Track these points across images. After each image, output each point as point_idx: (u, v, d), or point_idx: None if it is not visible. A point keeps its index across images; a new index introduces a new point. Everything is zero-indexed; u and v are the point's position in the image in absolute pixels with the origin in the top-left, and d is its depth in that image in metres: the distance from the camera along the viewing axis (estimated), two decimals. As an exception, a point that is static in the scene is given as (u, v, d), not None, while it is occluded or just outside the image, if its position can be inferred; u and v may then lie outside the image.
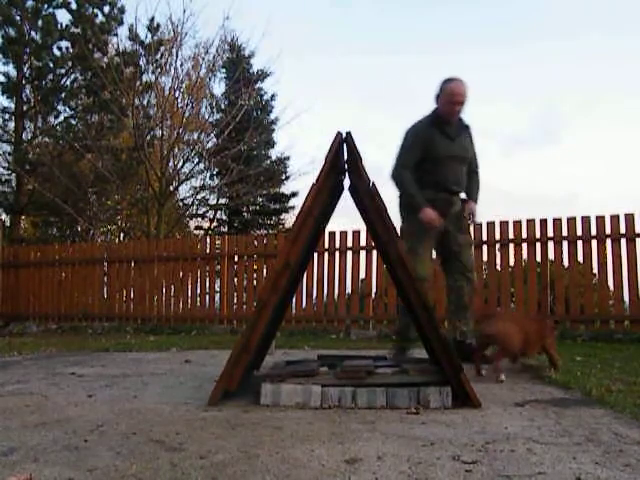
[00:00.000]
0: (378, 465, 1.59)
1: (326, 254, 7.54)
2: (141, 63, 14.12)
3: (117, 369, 3.81)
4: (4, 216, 16.01)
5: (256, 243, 8.19)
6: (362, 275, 7.49)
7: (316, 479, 1.49)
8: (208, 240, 8.74)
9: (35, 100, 14.69)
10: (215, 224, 19.72)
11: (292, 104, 19.84)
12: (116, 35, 15.12)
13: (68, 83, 15.20)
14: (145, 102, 14.18)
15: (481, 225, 6.97)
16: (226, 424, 2.12)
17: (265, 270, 7.94)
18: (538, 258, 6.80)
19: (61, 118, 15.55)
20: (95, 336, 7.50)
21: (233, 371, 2.53)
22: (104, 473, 1.56)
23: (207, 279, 8.26)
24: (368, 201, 2.62)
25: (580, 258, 6.62)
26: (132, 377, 3.40)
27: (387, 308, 7.25)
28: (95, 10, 14.96)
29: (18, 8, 14.30)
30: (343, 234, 7.54)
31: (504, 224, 6.90)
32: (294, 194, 19.18)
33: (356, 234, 7.49)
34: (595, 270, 6.58)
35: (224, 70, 17.58)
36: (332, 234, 7.56)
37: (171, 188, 13.66)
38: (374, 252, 7.19)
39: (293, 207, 19.43)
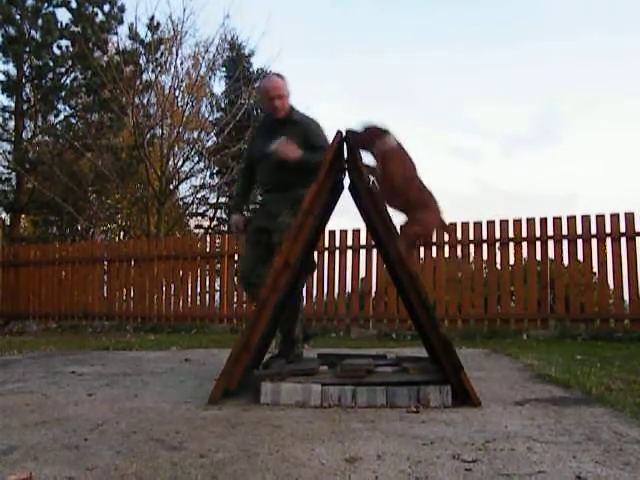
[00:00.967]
0: (378, 464, 1.59)
1: (326, 253, 7.54)
2: (141, 62, 14.11)
3: (117, 368, 3.81)
4: (4, 215, 16.02)
5: (256, 242, 8.18)
6: (362, 274, 7.49)
7: (316, 478, 1.49)
8: (208, 239, 8.73)
9: (35, 99, 14.68)
10: (215, 223, 19.71)
11: (292, 103, 19.79)
12: (116, 34, 15.12)
13: (68, 82, 15.19)
14: (145, 101, 14.17)
15: (481, 224, 6.97)
16: (226, 423, 2.12)
17: (265, 269, 7.93)
18: (538, 257, 6.81)
19: (61, 117, 15.55)
20: (95, 335, 7.50)
21: (233, 370, 2.53)
22: (104, 472, 1.56)
23: (207, 278, 8.26)
24: (368, 200, 2.62)
25: (580, 257, 6.63)
26: (132, 376, 3.40)
27: (387, 307, 7.25)
28: (95, 9, 14.95)
29: (18, 7, 14.29)
30: (343, 233, 7.54)
31: (504, 223, 6.90)
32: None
33: (356, 233, 7.49)
34: (595, 269, 6.58)
35: (224, 69, 17.57)
36: (332, 233, 7.55)
37: (171, 187, 13.66)
38: (374, 251, 7.18)
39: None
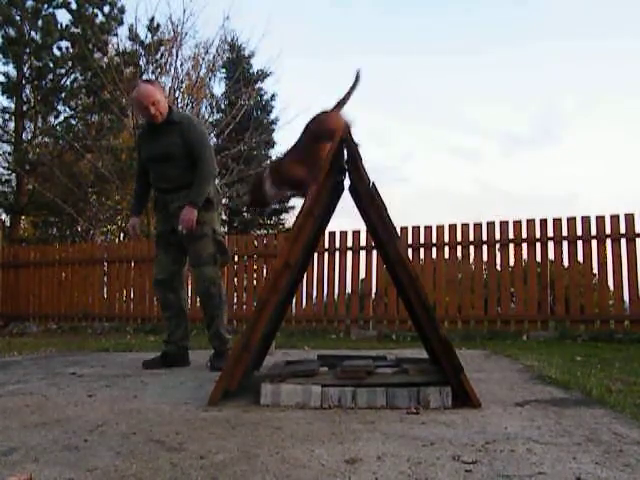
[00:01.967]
0: (378, 465, 1.59)
1: (326, 254, 7.54)
2: (141, 63, 14.13)
3: (117, 369, 3.81)
4: (4, 216, 16.03)
5: (256, 243, 8.20)
6: (362, 275, 7.50)
7: (316, 479, 1.49)
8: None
9: (35, 100, 14.70)
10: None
11: (292, 104, 19.86)
12: (116, 35, 15.15)
13: (68, 83, 15.21)
14: (145, 102, 14.16)
15: (481, 225, 6.98)
16: (226, 424, 2.12)
17: (265, 270, 7.94)
18: (538, 258, 6.81)
19: (61, 118, 15.57)
20: (95, 336, 7.50)
21: (233, 371, 2.53)
22: (104, 473, 1.56)
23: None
24: (368, 201, 2.62)
25: (580, 258, 6.63)
26: (132, 377, 3.40)
27: (387, 308, 7.25)
28: (95, 10, 14.98)
29: (18, 8, 14.31)
30: (343, 234, 7.55)
31: (504, 224, 6.91)
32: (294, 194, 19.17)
33: (356, 234, 7.49)
34: (595, 270, 6.59)
35: (224, 70, 17.60)
36: (332, 234, 7.56)
37: (171, 188, 13.64)
38: (374, 252, 7.19)
39: (293, 207, 19.44)
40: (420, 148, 32.06)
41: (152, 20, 13.79)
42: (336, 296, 7.49)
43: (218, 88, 24.02)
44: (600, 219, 6.50)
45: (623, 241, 6.38)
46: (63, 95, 15.09)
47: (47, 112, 15.10)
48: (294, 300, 7.19)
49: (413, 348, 4.94)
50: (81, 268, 9.05)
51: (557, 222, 6.68)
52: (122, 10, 15.19)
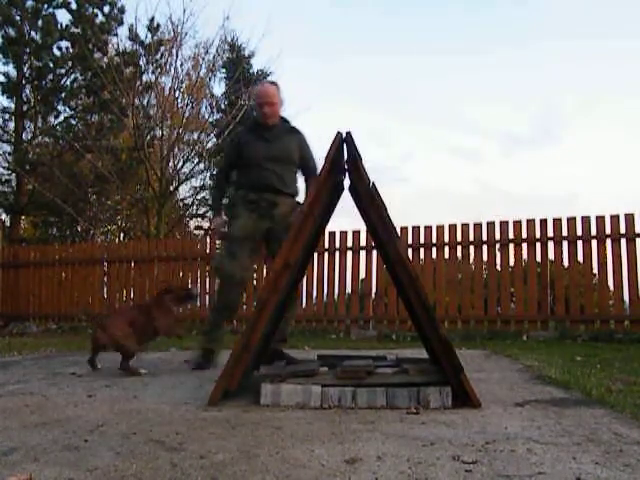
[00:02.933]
0: (378, 465, 1.59)
1: (326, 254, 7.54)
2: (141, 63, 14.12)
3: (117, 369, 3.80)
4: (4, 216, 16.02)
5: (256, 243, 8.18)
6: (362, 275, 7.50)
7: (316, 479, 1.49)
8: (208, 240, 8.74)
9: (35, 100, 14.69)
10: (215, 224, 19.70)
11: (292, 103, 19.84)
12: (116, 35, 15.13)
13: (68, 83, 15.19)
14: (145, 102, 14.19)
15: (481, 225, 6.98)
16: (226, 424, 2.12)
17: (265, 270, 7.94)
18: (538, 258, 6.81)
19: (61, 118, 15.55)
20: (95, 336, 7.48)
21: (233, 371, 2.53)
22: (104, 473, 1.56)
23: (207, 279, 8.26)
24: (368, 201, 2.62)
25: (580, 258, 6.63)
26: (132, 377, 3.40)
27: (387, 308, 7.25)
28: (95, 10, 14.96)
29: (18, 8, 14.30)
30: (343, 234, 7.55)
31: (504, 224, 6.91)
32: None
33: (356, 234, 7.49)
34: (595, 270, 6.58)
35: (224, 70, 17.56)
36: (332, 234, 7.56)
37: (171, 188, 13.66)
38: (374, 252, 7.19)
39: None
40: (420, 148, 32.02)
41: (152, 20, 13.80)
42: (336, 296, 7.49)
43: (218, 88, 24.00)
44: (600, 219, 6.49)
45: (623, 241, 6.38)
46: (63, 95, 15.08)
47: (47, 112, 15.09)
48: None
49: (413, 348, 4.94)
50: (81, 268, 9.04)
51: (557, 222, 6.68)
52: (122, 10, 15.17)
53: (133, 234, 17.04)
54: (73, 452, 1.77)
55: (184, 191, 16.61)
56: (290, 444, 1.82)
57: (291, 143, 3.81)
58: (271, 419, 2.19)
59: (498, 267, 7.01)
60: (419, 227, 7.26)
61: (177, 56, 13.50)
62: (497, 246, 6.95)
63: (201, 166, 15.24)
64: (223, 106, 16.75)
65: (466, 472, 1.52)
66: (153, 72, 14.02)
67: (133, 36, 14.09)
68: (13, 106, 15.04)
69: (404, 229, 7.23)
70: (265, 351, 3.40)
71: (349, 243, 7.51)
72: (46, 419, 2.24)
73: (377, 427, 2.04)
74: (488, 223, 6.97)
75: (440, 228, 7.15)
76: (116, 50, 14.52)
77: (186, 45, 17.75)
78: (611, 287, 6.52)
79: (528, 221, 6.81)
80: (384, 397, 2.40)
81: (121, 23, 15.21)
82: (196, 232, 19.31)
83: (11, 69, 14.74)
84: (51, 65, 14.70)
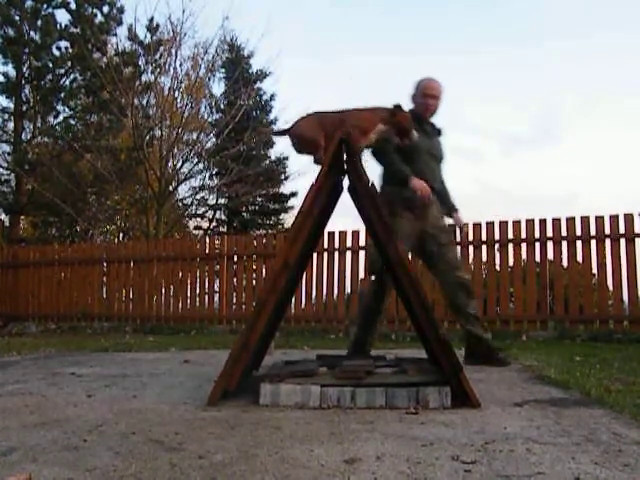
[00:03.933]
0: (377, 465, 1.59)
1: (325, 254, 7.54)
2: (140, 63, 14.14)
3: (116, 369, 3.81)
4: (3, 216, 16.03)
5: (255, 243, 8.19)
6: (361, 275, 7.49)
7: (315, 479, 1.49)
8: (207, 240, 8.75)
9: (34, 100, 14.69)
10: (214, 224, 19.73)
11: (291, 104, 19.88)
12: (115, 35, 15.15)
13: (67, 83, 15.20)
14: (144, 102, 14.19)
15: (480, 225, 6.98)
16: (225, 424, 2.12)
17: (264, 270, 7.94)
18: (537, 258, 6.81)
19: (60, 118, 15.56)
20: (94, 336, 7.49)
21: (232, 371, 2.53)
22: (103, 473, 1.56)
23: (206, 279, 8.26)
24: (367, 201, 2.62)
25: (579, 258, 6.63)
26: (131, 377, 3.40)
27: (386, 308, 7.24)
28: (94, 10, 14.96)
29: (17, 8, 14.30)
30: (342, 234, 7.55)
31: (503, 224, 6.91)
32: (293, 194, 19.19)
33: (355, 234, 7.49)
34: (594, 270, 6.59)
35: (223, 70, 17.60)
36: (331, 234, 7.56)
37: (170, 188, 13.66)
38: (373, 252, 7.18)
39: (292, 207, 19.44)
40: (419, 148, 31.99)
41: (151, 20, 13.80)
42: (335, 296, 7.49)
43: (217, 88, 24.04)
44: (599, 219, 6.50)
45: (622, 241, 6.38)
46: (62, 95, 15.08)
47: (46, 112, 15.09)
48: (293, 300, 7.20)
49: (412, 348, 4.94)
50: (80, 268, 9.04)
51: (556, 222, 6.68)
52: (121, 10, 15.17)
53: (132, 234, 17.05)
54: (72, 452, 1.77)
55: (183, 191, 16.66)
56: (289, 444, 1.82)
57: (439, 143, 3.86)
58: (270, 419, 2.19)
59: (497, 267, 7.01)
60: (418, 227, 7.26)
61: (176, 56, 13.50)
62: (496, 246, 6.95)
63: (200, 166, 15.25)
64: (222, 106, 16.77)
65: (465, 472, 1.52)
66: (152, 72, 14.02)
67: (132, 36, 14.09)
68: (12, 106, 15.04)
69: (403, 229, 7.22)
70: (264, 351, 3.40)
71: (348, 243, 7.51)
72: (45, 419, 2.24)
73: (376, 427, 2.04)
74: (487, 223, 6.97)
75: (439, 228, 7.14)
76: (115, 50, 14.53)
77: (185, 45, 17.81)
78: (610, 287, 6.53)
79: (527, 221, 6.82)
80: (383, 397, 2.40)
81: (120, 23, 15.21)
82: (195, 232, 19.35)
83: (10, 69, 14.76)
84: (50, 65, 14.70)
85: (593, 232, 6.50)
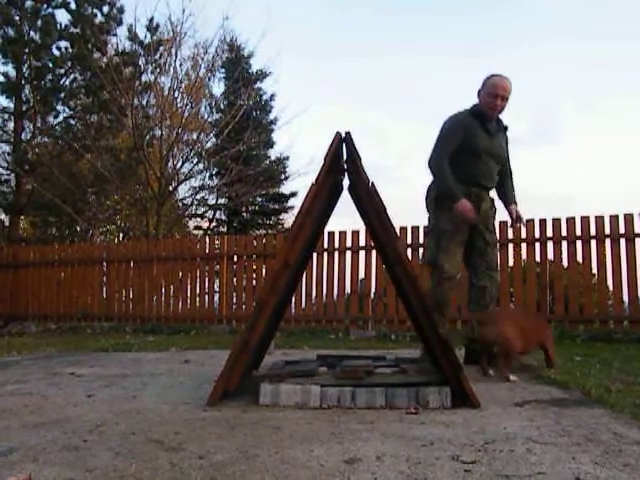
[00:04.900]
0: (377, 465, 1.59)
1: (325, 254, 7.54)
2: (140, 63, 14.10)
3: (116, 369, 3.81)
4: (3, 216, 16.02)
5: (255, 243, 8.19)
6: (361, 275, 7.50)
7: (315, 479, 1.49)
8: (207, 240, 8.74)
9: (34, 100, 14.66)
10: (214, 224, 19.71)
11: (291, 104, 19.90)
12: (115, 35, 15.10)
13: (67, 83, 15.18)
14: (144, 102, 14.17)
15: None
16: (225, 424, 2.12)
17: (264, 270, 7.94)
18: (537, 258, 6.81)
19: (60, 118, 15.53)
20: (94, 336, 7.49)
21: (232, 371, 2.53)
22: (103, 473, 1.56)
23: (206, 279, 8.26)
24: (367, 201, 2.62)
25: (579, 258, 6.63)
26: (131, 377, 3.40)
27: (386, 308, 7.25)
28: (94, 10, 14.93)
29: (17, 8, 14.29)
30: (342, 234, 7.54)
31: (503, 224, 6.90)
32: (293, 194, 19.18)
33: (355, 234, 7.49)
34: (594, 270, 6.58)
35: (223, 70, 17.58)
36: (331, 234, 7.56)
37: (170, 188, 13.65)
38: (373, 252, 7.19)
39: (292, 207, 19.42)
40: (420, 148, 32.05)
41: (151, 20, 13.78)
42: (335, 296, 7.49)
43: (217, 88, 24.01)
44: (599, 219, 6.49)
45: (622, 241, 6.38)
46: (62, 95, 15.06)
47: (46, 112, 15.06)
48: (293, 300, 7.19)
49: (412, 348, 4.93)
50: (80, 268, 9.04)
51: (556, 222, 6.68)
52: (121, 10, 15.15)
53: (132, 234, 17.04)
54: (72, 452, 1.77)
55: (183, 191, 16.62)
56: (289, 444, 1.82)
57: (503, 141, 3.83)
58: (270, 419, 2.19)
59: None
60: (418, 227, 7.26)
61: (176, 56, 13.48)
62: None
63: (200, 166, 15.24)
64: (222, 106, 16.76)
65: (465, 472, 1.52)
66: (152, 72, 14.00)
67: (132, 36, 14.07)
68: (12, 106, 15.02)
69: (403, 229, 7.22)
70: (264, 351, 3.40)
71: (348, 243, 7.51)
72: (45, 419, 2.24)
73: (376, 427, 2.04)
74: (487, 223, 6.96)
75: (439, 228, 7.14)
76: (115, 50, 14.51)
77: (185, 45, 17.75)
78: (610, 287, 6.52)
79: (527, 221, 6.80)
80: (383, 397, 2.40)
81: (120, 23, 15.19)
82: (195, 232, 19.34)
83: (10, 69, 14.73)
84: (50, 65, 14.68)
85: (593, 232, 6.50)
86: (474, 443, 1.80)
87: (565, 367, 3.50)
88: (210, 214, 19.25)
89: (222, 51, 15.75)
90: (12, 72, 14.73)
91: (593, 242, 6.51)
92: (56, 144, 15.17)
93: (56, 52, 14.77)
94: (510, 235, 6.83)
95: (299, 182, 21.01)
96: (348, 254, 7.50)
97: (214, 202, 17.65)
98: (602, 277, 6.49)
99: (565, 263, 6.67)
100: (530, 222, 6.79)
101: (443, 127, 3.73)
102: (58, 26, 14.52)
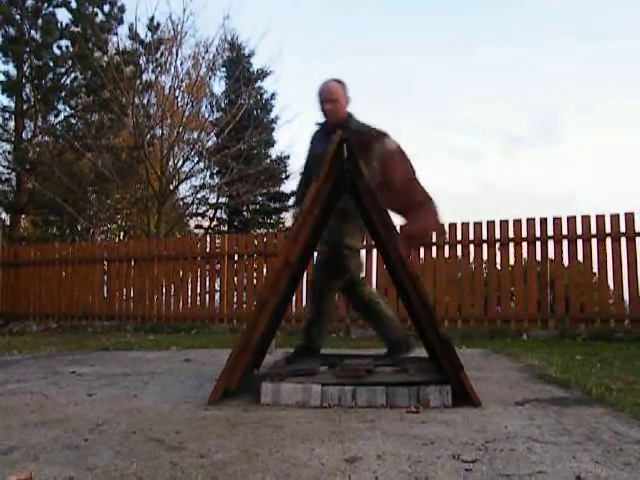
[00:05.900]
0: (378, 464, 1.59)
1: (326, 253, 7.53)
2: (141, 62, 14.11)
3: (117, 368, 3.81)
4: (4, 215, 16.03)
5: (256, 242, 8.19)
6: (361, 274, 7.48)
7: (316, 478, 1.49)
8: (208, 239, 8.73)
9: (35, 99, 14.67)
10: (215, 223, 19.71)
11: (292, 103, 19.88)
12: (116, 34, 15.11)
13: (68, 82, 15.18)
14: (145, 101, 14.17)
15: (481, 224, 6.97)
16: (226, 423, 2.12)
17: (265, 269, 7.94)
18: (538, 257, 6.81)
19: (61, 117, 15.55)
20: (95, 335, 7.50)
21: (233, 370, 2.53)
22: (104, 472, 1.56)
23: (207, 278, 8.26)
24: (368, 200, 2.62)
25: (580, 257, 6.63)
26: (132, 376, 3.40)
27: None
28: (95, 9, 14.94)
29: (18, 7, 14.29)
30: (343, 233, 7.53)
31: (504, 223, 6.90)
32: (294, 193, 19.16)
33: (356, 233, 7.48)
34: (595, 269, 6.58)
35: (224, 69, 17.58)
36: (332, 233, 7.54)
37: (171, 187, 13.66)
38: (374, 252, 7.18)
39: (293, 206, 19.41)
40: (420, 148, 32.05)
41: (152, 19, 13.78)
42: (336, 295, 7.48)
43: (218, 87, 24.00)
44: (600, 218, 6.49)
45: (623, 240, 6.37)
46: (63, 94, 15.07)
47: (47, 111, 15.08)
48: (294, 299, 7.19)
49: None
50: (81, 267, 9.04)
51: (557, 221, 6.68)
52: (122, 9, 15.16)
53: (133, 233, 17.04)
54: (73, 451, 1.77)
55: (184, 190, 16.61)
56: (290, 443, 1.82)
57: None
58: (271, 418, 2.19)
59: (498, 266, 7.01)
60: (419, 226, 7.25)
61: (177, 55, 13.49)
62: (497, 245, 6.95)
63: (201, 165, 15.23)
64: (223, 105, 16.75)
65: (466, 471, 1.52)
66: (153, 71, 14.00)
67: (133, 35, 14.08)
68: (13, 105, 15.03)
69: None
70: (265, 351, 3.40)
71: (349, 242, 7.50)
72: (46, 418, 2.25)
73: (377, 426, 2.04)
74: (488, 222, 6.96)
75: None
76: (116, 49, 14.51)
77: (186, 44, 17.71)
78: (611, 286, 6.52)
79: (528, 220, 6.81)
80: (384, 396, 2.40)
81: (121, 22, 15.20)
82: (196, 231, 19.34)
83: (11, 68, 14.75)
84: (51, 64, 14.69)
85: (594, 231, 6.49)
86: (475, 442, 1.80)
87: (566, 366, 3.50)
88: (211, 213, 19.25)
89: (223, 50, 15.78)
90: (13, 71, 14.75)
91: (594, 241, 6.50)
92: (57, 143, 15.18)
93: (57, 51, 14.79)
94: (511, 234, 6.83)
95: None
96: (349, 253, 7.49)
97: (215, 201, 17.66)
98: (603, 276, 6.49)
99: (566, 262, 6.67)
100: (531, 221, 6.79)
101: None
102: (59, 25, 14.53)
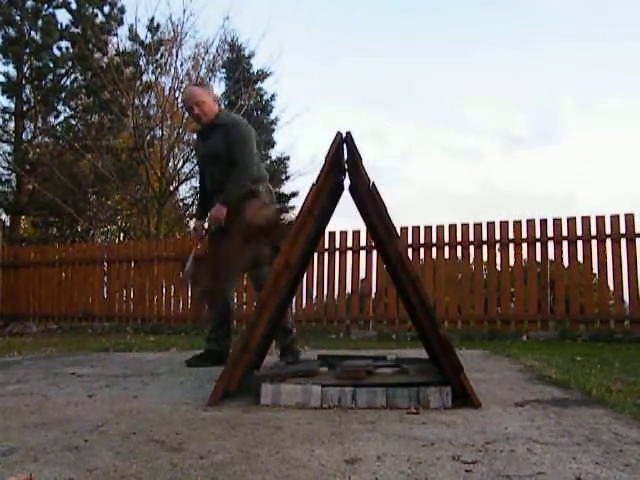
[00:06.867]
0: (378, 465, 1.59)
1: (326, 254, 7.54)
2: (141, 63, 14.14)
3: (117, 369, 3.81)
4: (4, 216, 16.03)
5: (256, 243, 8.18)
6: (362, 275, 7.50)
7: (316, 479, 1.49)
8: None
9: (35, 100, 14.69)
10: (215, 224, 19.69)
11: (292, 104, 19.89)
12: (116, 35, 15.14)
13: (68, 83, 15.20)
14: (145, 102, 14.20)
15: (481, 225, 6.98)
16: (226, 424, 2.12)
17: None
18: (538, 258, 6.81)
19: (61, 118, 15.56)
20: (95, 336, 7.49)
21: (233, 371, 2.53)
22: (104, 473, 1.56)
23: (207, 279, 8.25)
24: (368, 201, 2.62)
25: (580, 258, 6.63)
26: (132, 377, 3.40)
27: (387, 308, 7.25)
28: (95, 10, 14.96)
29: (18, 8, 14.31)
30: (343, 234, 7.54)
31: (504, 224, 6.91)
32: (294, 194, 19.16)
33: (356, 234, 7.49)
34: (595, 270, 6.58)
35: (224, 70, 17.57)
36: (332, 234, 7.56)
37: (171, 188, 13.67)
38: (374, 252, 7.19)
39: (293, 207, 19.38)
40: (420, 148, 32.10)
41: (152, 20, 13.81)
42: (336, 296, 7.49)
43: (218, 88, 23.90)
44: (600, 219, 6.49)
45: (623, 241, 6.38)
46: (63, 95, 15.08)
47: (47, 112, 15.09)
48: (294, 300, 7.19)
49: (413, 348, 4.93)
50: (81, 268, 9.04)
51: (557, 222, 6.68)
52: (122, 10, 15.18)
53: (133, 234, 17.04)
54: (73, 452, 1.77)
55: (184, 191, 16.63)
56: (290, 444, 1.82)
57: (220, 136, 3.66)
58: (271, 419, 2.18)
59: (498, 267, 7.01)
60: (419, 227, 7.26)
61: (177, 56, 13.53)
62: (497, 246, 6.95)
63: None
64: (223, 106, 16.77)
65: (466, 472, 1.52)
66: (153, 72, 14.03)
67: (133, 36, 14.10)
68: (13, 106, 15.05)
69: (404, 229, 7.23)
70: (265, 351, 3.40)
71: (349, 243, 7.51)
72: (46, 419, 2.24)
73: (377, 427, 2.04)
74: (488, 223, 6.96)
75: (440, 228, 7.15)
76: (116, 50, 14.53)
77: (186, 45, 17.79)
78: (611, 287, 6.53)
79: (528, 221, 6.81)
80: (384, 397, 2.40)
81: (121, 23, 15.21)
82: (196, 232, 19.33)
83: (11, 69, 14.77)
84: (51, 65, 14.70)
85: (594, 232, 6.50)
86: (475, 443, 1.80)
87: (566, 367, 3.50)
88: (211, 214, 19.23)
89: (223, 51, 15.80)
90: (13, 72, 14.77)
91: (594, 242, 6.51)
92: (57, 144, 15.19)
93: (57, 52, 14.81)
94: (511, 235, 6.84)
95: (300, 182, 20.98)
96: (349, 254, 7.50)
97: (215, 202, 17.63)
98: (603, 277, 6.50)
99: (566, 263, 6.67)
100: (531, 222, 6.79)
101: None
102: (59, 26, 14.55)
